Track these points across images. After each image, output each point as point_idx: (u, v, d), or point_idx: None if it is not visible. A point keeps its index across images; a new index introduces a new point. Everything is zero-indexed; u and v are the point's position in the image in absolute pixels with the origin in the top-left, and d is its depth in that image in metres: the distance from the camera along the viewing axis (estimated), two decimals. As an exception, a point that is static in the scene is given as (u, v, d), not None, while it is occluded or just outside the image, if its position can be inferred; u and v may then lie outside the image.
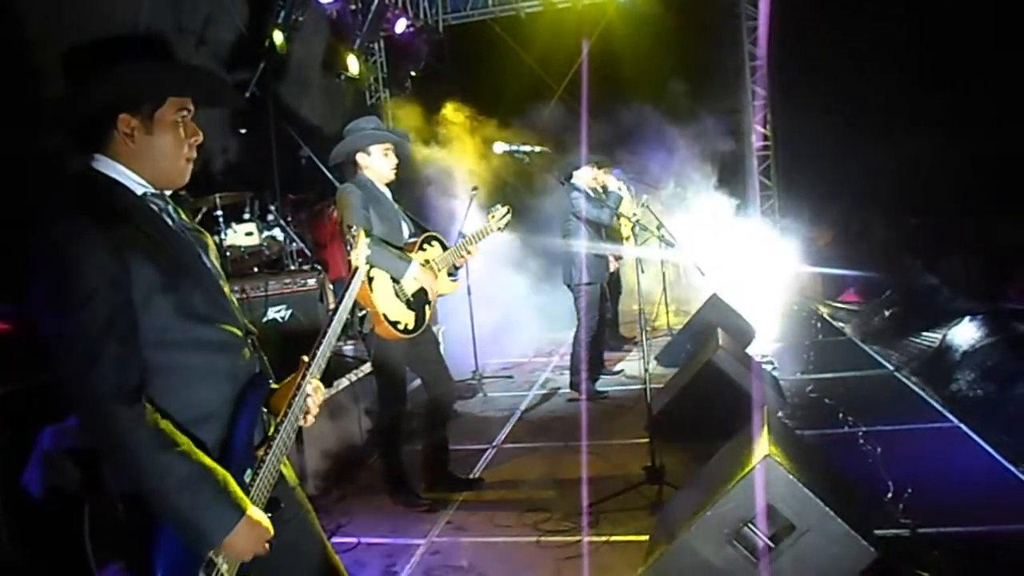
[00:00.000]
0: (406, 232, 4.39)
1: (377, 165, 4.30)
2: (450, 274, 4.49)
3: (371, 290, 4.06)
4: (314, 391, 1.99)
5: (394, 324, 4.12)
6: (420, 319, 4.26)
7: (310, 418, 2.01)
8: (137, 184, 1.84)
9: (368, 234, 3.98)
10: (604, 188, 6.62)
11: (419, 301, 4.25)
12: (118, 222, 1.74)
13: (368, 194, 4.23)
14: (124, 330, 1.69)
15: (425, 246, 4.39)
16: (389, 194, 4.38)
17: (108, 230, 1.70)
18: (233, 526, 1.70)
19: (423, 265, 4.25)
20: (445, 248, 4.46)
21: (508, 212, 4.59)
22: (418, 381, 4.86)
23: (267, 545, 1.79)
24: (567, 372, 6.61)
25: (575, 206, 6.28)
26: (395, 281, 4.14)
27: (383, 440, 4.57)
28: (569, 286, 6.42)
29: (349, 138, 4.33)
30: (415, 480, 4.64)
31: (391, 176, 4.35)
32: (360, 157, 4.30)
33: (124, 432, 1.65)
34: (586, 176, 6.46)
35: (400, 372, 4.39)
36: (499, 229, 4.58)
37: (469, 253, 4.44)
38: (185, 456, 1.69)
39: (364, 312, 4.17)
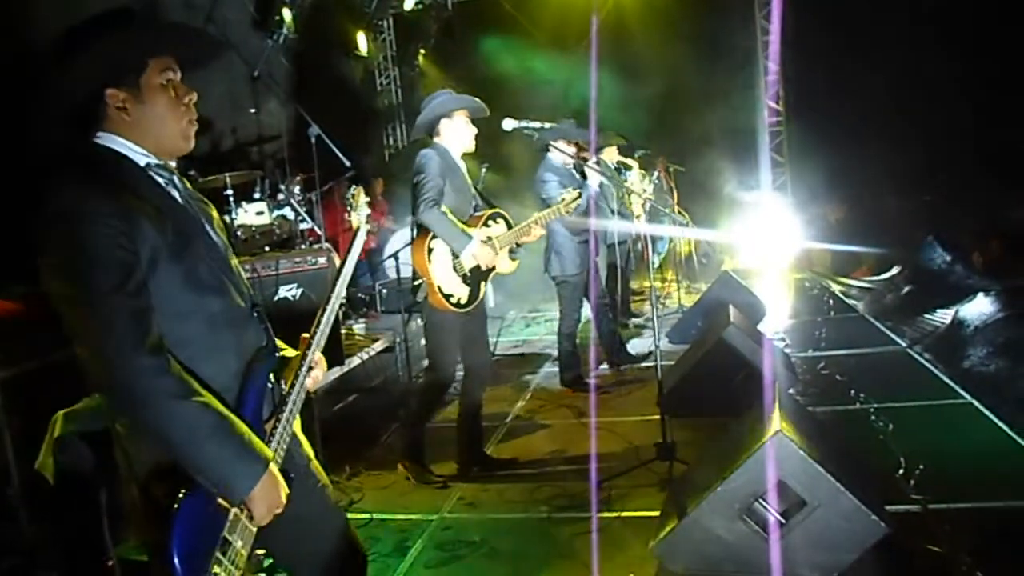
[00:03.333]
0: (473, 208, 4.40)
1: (459, 131, 4.27)
2: (511, 252, 4.46)
3: (429, 261, 4.08)
4: (315, 364, 2.03)
5: (447, 297, 4.12)
6: (474, 294, 4.25)
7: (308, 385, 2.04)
8: (140, 155, 1.84)
9: (437, 202, 4.05)
10: (581, 168, 5.92)
11: (475, 277, 4.24)
12: (122, 191, 1.75)
13: (445, 162, 4.21)
14: (136, 288, 1.70)
15: (490, 223, 4.36)
16: (464, 167, 4.37)
17: (111, 198, 1.71)
18: (260, 476, 1.73)
19: (485, 242, 4.24)
20: (510, 227, 4.43)
21: (579, 196, 4.60)
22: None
23: (283, 503, 1.81)
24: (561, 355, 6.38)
25: (545, 190, 5.77)
26: (454, 255, 4.14)
27: (419, 409, 4.54)
28: (552, 276, 6.09)
29: (432, 105, 4.28)
30: (448, 456, 4.64)
31: (471, 145, 4.33)
32: (444, 123, 4.26)
33: (151, 382, 1.66)
34: (563, 154, 5.77)
35: (451, 343, 4.37)
36: (567, 212, 4.58)
37: (532, 234, 4.42)
38: (210, 406, 1.71)
39: (420, 281, 4.19)
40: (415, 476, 4.53)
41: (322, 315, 2.04)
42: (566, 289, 6.06)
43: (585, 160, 5.79)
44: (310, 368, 2.01)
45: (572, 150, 5.79)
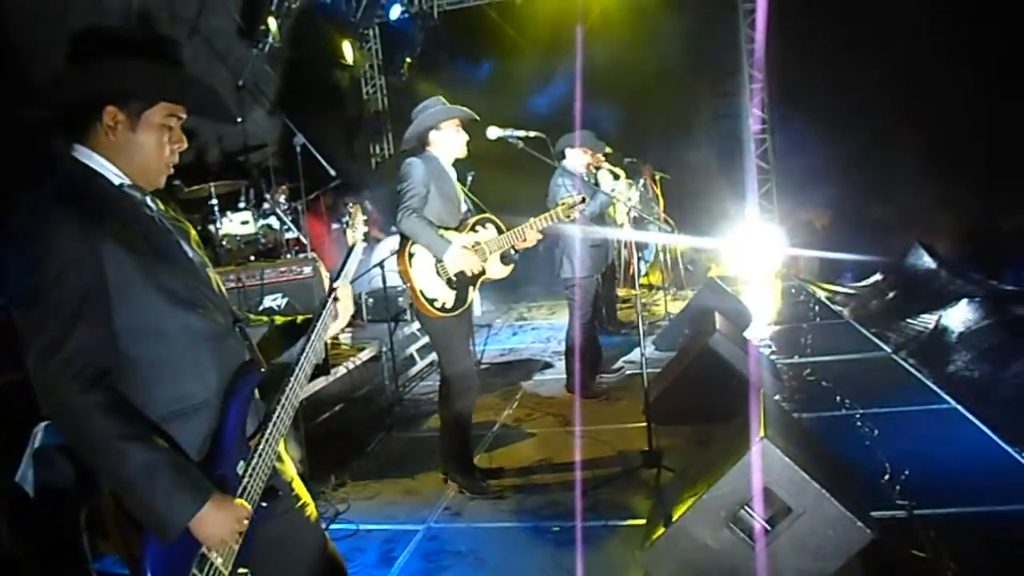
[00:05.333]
0: (465, 214, 4.36)
1: (449, 140, 4.25)
2: (504, 258, 4.39)
3: (410, 266, 4.06)
4: (341, 296, 2.14)
5: (431, 301, 4.08)
6: (461, 299, 4.18)
7: (341, 323, 2.17)
8: (115, 175, 1.83)
9: (417, 210, 4.03)
10: (595, 176, 6.06)
11: (463, 282, 4.18)
12: (92, 209, 1.73)
13: (431, 169, 4.17)
14: (93, 315, 1.67)
15: (478, 228, 4.31)
16: (454, 174, 4.34)
17: (80, 216, 1.69)
18: (192, 515, 1.68)
19: (471, 247, 4.19)
20: (500, 232, 4.37)
21: (582, 201, 4.49)
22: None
23: (245, 525, 1.79)
24: (563, 359, 6.41)
25: (562, 194, 5.63)
26: (437, 259, 4.10)
27: (454, 414, 4.36)
28: (563, 280, 5.99)
29: (420, 118, 4.25)
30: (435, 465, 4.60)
31: (462, 153, 4.31)
32: (432, 135, 4.25)
33: (82, 419, 1.63)
34: (579, 160, 5.93)
35: (456, 338, 4.27)
36: (567, 218, 4.45)
37: (526, 239, 4.35)
38: (143, 444, 1.66)
39: (405, 287, 4.16)
40: (468, 488, 4.41)
41: (315, 324, 2.09)
42: (576, 292, 5.93)
43: (599, 168, 5.87)
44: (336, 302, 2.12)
45: (587, 158, 5.94)
